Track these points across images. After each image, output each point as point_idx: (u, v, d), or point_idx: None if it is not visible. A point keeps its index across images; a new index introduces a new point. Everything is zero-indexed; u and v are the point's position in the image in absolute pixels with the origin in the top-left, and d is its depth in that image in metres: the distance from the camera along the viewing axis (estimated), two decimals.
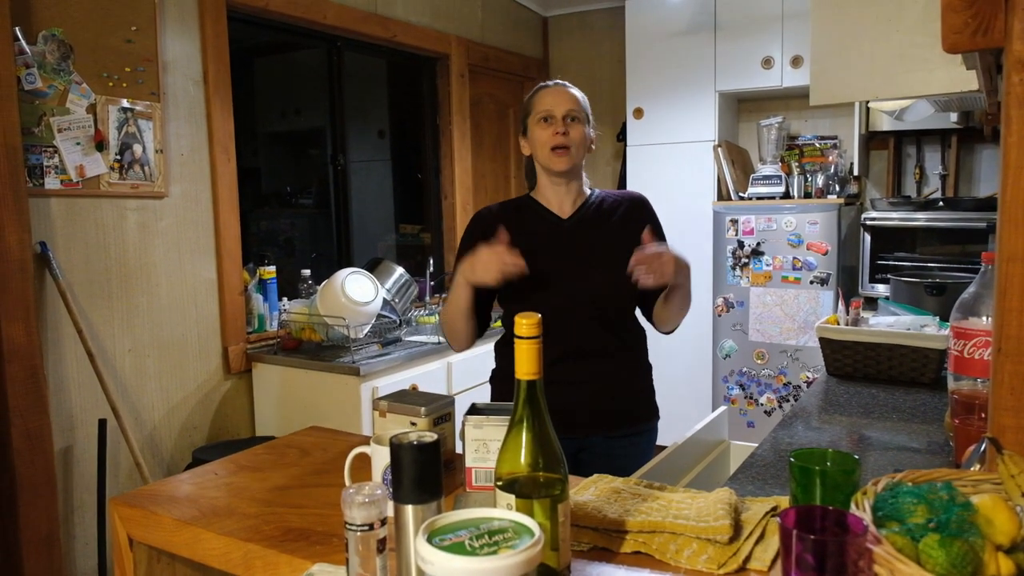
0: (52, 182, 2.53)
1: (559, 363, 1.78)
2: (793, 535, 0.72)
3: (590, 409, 1.86)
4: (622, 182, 4.55)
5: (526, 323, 0.87)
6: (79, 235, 2.62)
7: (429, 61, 4.34)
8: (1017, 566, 0.75)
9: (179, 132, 2.92)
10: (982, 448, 1.04)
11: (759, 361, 4.10)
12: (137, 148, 2.75)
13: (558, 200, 1.91)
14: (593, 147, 1.93)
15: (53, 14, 2.52)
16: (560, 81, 1.91)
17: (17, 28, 2.41)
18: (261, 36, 3.55)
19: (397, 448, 0.87)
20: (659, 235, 1.96)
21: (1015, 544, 0.77)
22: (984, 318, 1.52)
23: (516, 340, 0.88)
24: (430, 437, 0.88)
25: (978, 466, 1.05)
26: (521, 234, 1.85)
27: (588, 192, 1.95)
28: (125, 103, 2.71)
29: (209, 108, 3.02)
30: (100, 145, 2.64)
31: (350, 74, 3.91)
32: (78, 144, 2.59)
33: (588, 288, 1.83)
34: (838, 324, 2.27)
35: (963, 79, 1.76)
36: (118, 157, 2.69)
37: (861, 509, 0.78)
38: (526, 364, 0.88)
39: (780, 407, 4.05)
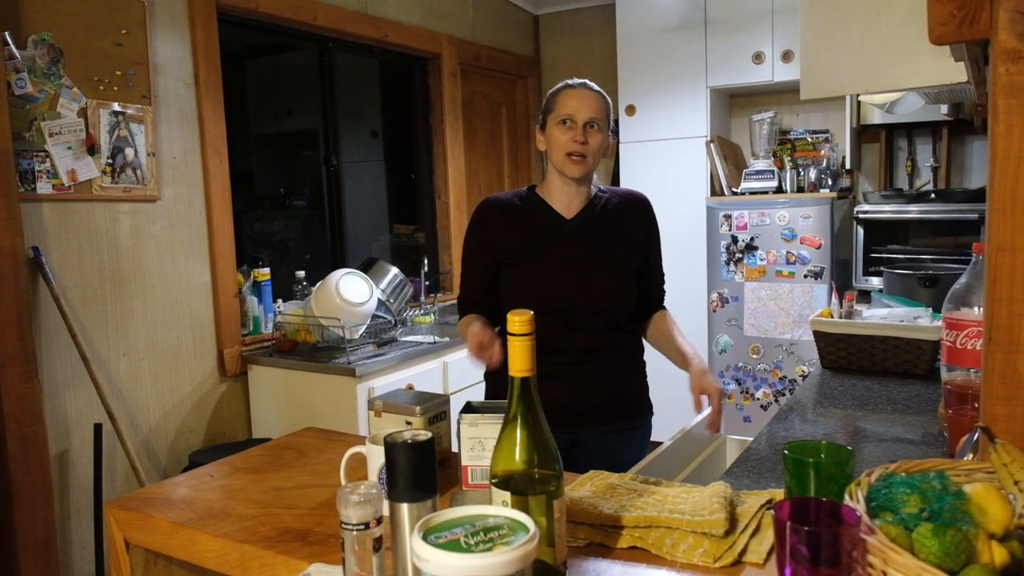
0: (44, 187, 2.52)
1: (555, 360, 1.79)
2: (787, 527, 0.73)
3: (584, 403, 1.86)
4: (615, 179, 4.56)
5: (519, 320, 0.87)
6: (72, 239, 2.62)
7: (421, 61, 4.34)
8: (1011, 554, 0.75)
9: (171, 135, 2.92)
10: (975, 437, 1.04)
11: (754, 356, 4.11)
12: (129, 151, 2.74)
13: (566, 199, 1.88)
14: (609, 152, 1.91)
15: (42, 18, 2.51)
16: (587, 82, 1.86)
17: (7, 33, 2.40)
18: (252, 38, 3.55)
19: (391, 447, 0.87)
20: (655, 238, 1.97)
21: (1008, 532, 0.77)
22: (976, 308, 1.52)
23: (509, 337, 0.88)
24: (424, 435, 0.88)
25: (971, 455, 1.05)
26: (523, 231, 1.87)
27: (594, 190, 1.92)
28: (116, 106, 2.70)
29: (201, 110, 3.02)
30: (92, 149, 2.63)
31: (342, 75, 3.91)
32: (69, 148, 2.58)
33: (587, 288, 1.83)
34: (832, 317, 2.28)
35: (952, 71, 1.76)
36: (110, 161, 2.69)
37: (855, 500, 0.79)
38: (519, 361, 0.88)
39: (776, 401, 4.06)
